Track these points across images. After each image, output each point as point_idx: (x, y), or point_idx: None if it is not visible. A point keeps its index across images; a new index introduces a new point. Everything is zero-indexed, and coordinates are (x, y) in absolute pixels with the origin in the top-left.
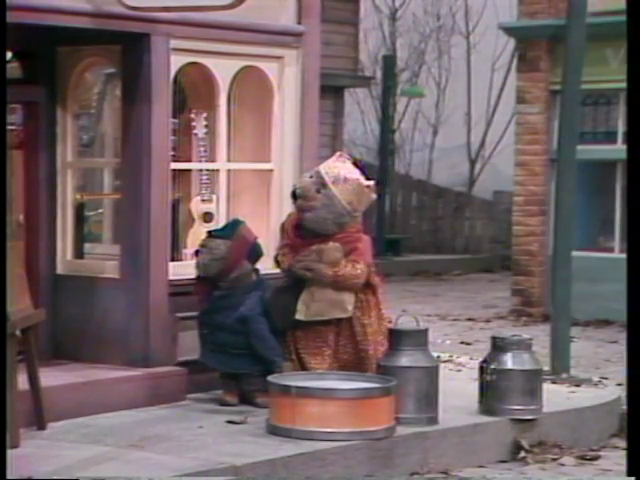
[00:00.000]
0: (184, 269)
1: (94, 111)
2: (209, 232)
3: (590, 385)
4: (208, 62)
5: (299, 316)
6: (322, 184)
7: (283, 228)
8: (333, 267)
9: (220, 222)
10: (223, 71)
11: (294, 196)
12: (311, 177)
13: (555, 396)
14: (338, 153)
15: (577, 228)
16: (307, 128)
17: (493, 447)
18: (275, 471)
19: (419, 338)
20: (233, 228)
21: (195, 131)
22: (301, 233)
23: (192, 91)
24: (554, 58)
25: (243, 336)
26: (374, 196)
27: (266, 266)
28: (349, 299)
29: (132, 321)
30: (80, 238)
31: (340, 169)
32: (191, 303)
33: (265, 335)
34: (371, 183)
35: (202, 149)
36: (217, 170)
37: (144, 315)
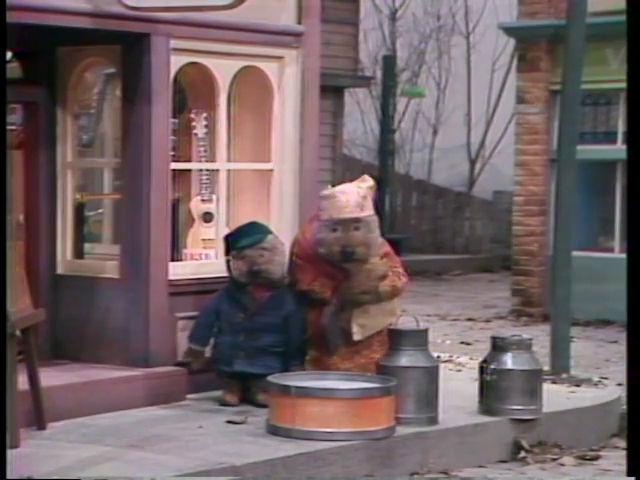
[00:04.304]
0: (184, 269)
1: (94, 111)
2: (249, 244)
3: (590, 385)
4: (208, 62)
5: (357, 337)
6: (355, 221)
7: (307, 259)
8: (384, 281)
9: (220, 222)
10: (223, 71)
11: (348, 256)
12: (334, 230)
13: (555, 396)
14: (327, 192)
15: (577, 228)
16: (307, 128)
17: (493, 447)
18: (275, 471)
19: (419, 338)
20: (261, 226)
21: (195, 131)
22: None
23: (192, 91)
24: (554, 58)
25: (285, 334)
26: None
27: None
28: (397, 304)
29: (132, 321)
30: (80, 238)
31: (351, 199)
32: (191, 303)
33: (302, 332)
34: (371, 183)
35: (202, 149)
36: (217, 170)
37: (144, 315)
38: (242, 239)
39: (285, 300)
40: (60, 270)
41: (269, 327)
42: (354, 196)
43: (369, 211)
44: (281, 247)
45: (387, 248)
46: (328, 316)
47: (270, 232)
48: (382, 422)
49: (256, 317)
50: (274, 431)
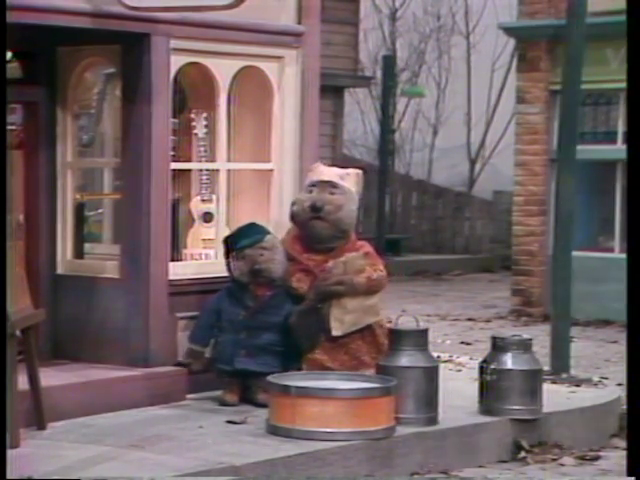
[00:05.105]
0: (184, 269)
1: (94, 111)
2: (249, 243)
3: (590, 385)
4: (208, 62)
5: (335, 332)
6: (331, 186)
7: (287, 254)
8: (361, 274)
9: (220, 222)
10: (223, 71)
11: (316, 210)
12: (311, 192)
13: (555, 396)
14: (315, 164)
15: (577, 228)
16: (307, 128)
17: (493, 447)
18: (275, 471)
19: (419, 338)
20: (260, 227)
21: (195, 131)
22: (306, 255)
23: (192, 91)
24: (554, 58)
25: (286, 333)
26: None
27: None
28: (379, 302)
29: (132, 321)
30: (80, 238)
31: (332, 170)
32: (191, 303)
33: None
34: (359, 171)
35: (202, 149)
36: (217, 170)
37: (144, 315)
38: (242, 239)
39: (286, 300)
40: (60, 270)
41: (270, 326)
42: (336, 169)
43: (350, 186)
44: (281, 247)
45: (368, 248)
46: (297, 314)
47: (269, 232)
48: (382, 422)
49: (257, 315)
50: (274, 431)
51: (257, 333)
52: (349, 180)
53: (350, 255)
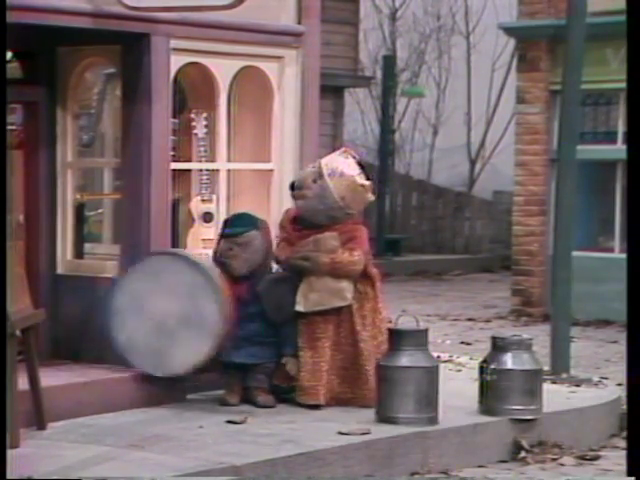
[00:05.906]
0: None
1: (94, 111)
2: (226, 234)
3: (590, 385)
4: (208, 62)
5: (299, 308)
6: (319, 175)
7: (280, 224)
8: (330, 255)
9: (220, 222)
10: (223, 71)
11: (292, 187)
12: (313, 167)
13: (555, 396)
14: (343, 148)
15: (577, 228)
16: (307, 128)
17: (493, 447)
18: (275, 471)
19: (419, 338)
20: (249, 220)
21: (195, 131)
22: (298, 227)
23: (192, 91)
24: (554, 58)
25: (273, 324)
26: (371, 197)
27: None
28: (348, 287)
29: None
30: (80, 238)
31: (339, 163)
32: None
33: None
34: (367, 183)
35: (202, 149)
36: (217, 170)
37: None
38: (226, 227)
39: None
40: (60, 270)
41: (252, 316)
42: (343, 165)
43: (336, 186)
44: (259, 245)
45: (357, 233)
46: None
47: (256, 227)
48: None
49: (239, 306)
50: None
51: (240, 324)
52: (339, 181)
53: (326, 234)
